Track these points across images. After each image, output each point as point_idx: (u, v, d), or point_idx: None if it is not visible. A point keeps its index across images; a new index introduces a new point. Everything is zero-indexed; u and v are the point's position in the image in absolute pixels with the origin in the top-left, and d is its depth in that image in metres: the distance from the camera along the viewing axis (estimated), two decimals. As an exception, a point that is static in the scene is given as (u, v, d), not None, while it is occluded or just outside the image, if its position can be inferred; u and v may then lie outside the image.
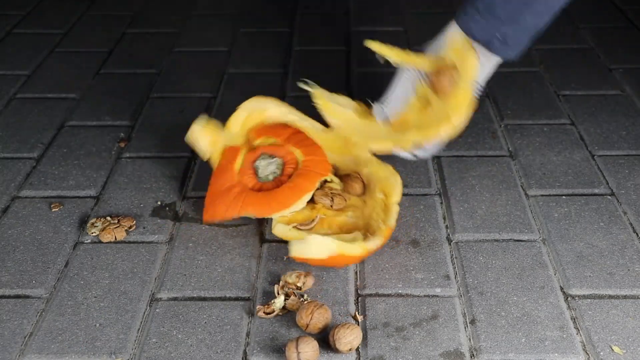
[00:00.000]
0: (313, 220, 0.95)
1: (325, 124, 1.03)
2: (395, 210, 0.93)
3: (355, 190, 0.98)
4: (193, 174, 1.09)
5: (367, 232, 0.92)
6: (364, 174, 1.00)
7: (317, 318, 0.79)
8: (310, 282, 0.87)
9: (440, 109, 0.96)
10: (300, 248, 0.85)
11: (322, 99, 1.03)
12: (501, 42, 0.95)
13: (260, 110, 1.04)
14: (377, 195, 0.96)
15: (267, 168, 0.97)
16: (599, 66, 1.39)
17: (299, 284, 0.86)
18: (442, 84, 0.96)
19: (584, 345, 0.79)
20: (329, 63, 1.41)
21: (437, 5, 1.68)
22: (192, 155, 1.13)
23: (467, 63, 0.95)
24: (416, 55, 1.00)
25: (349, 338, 0.77)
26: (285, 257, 0.92)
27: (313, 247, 0.84)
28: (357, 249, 0.86)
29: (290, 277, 0.86)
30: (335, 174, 1.01)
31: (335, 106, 1.03)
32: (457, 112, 0.93)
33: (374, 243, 0.89)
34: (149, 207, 1.01)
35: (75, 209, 0.99)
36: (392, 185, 0.95)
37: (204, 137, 1.01)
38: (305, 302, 0.83)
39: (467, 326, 0.81)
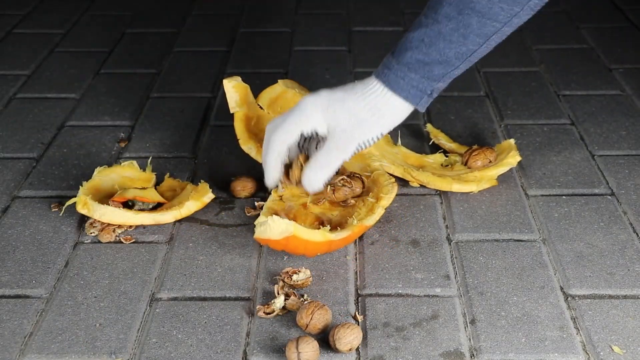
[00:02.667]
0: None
1: None
2: (379, 212, 0.93)
3: (354, 190, 0.99)
4: (193, 174, 1.09)
5: (342, 227, 0.93)
6: (366, 178, 1.00)
7: (317, 318, 0.79)
8: (307, 273, 0.87)
9: (462, 171, 1.05)
10: (261, 230, 0.86)
11: None
12: (429, 96, 0.88)
13: (296, 94, 1.08)
14: (369, 198, 0.96)
15: None
16: (599, 66, 1.39)
17: (295, 278, 0.86)
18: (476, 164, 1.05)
19: (584, 345, 0.79)
20: (329, 63, 1.41)
21: (437, 5, 1.68)
22: (193, 155, 1.13)
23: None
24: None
25: (349, 338, 0.77)
26: (285, 257, 0.92)
27: (271, 227, 0.85)
28: (317, 235, 0.87)
29: (285, 273, 0.87)
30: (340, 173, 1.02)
31: None
32: (475, 184, 1.02)
33: (339, 234, 0.89)
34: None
35: (75, 209, 0.99)
36: (386, 191, 0.96)
37: (235, 93, 1.03)
38: (306, 302, 0.83)
39: (467, 326, 0.81)
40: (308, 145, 0.92)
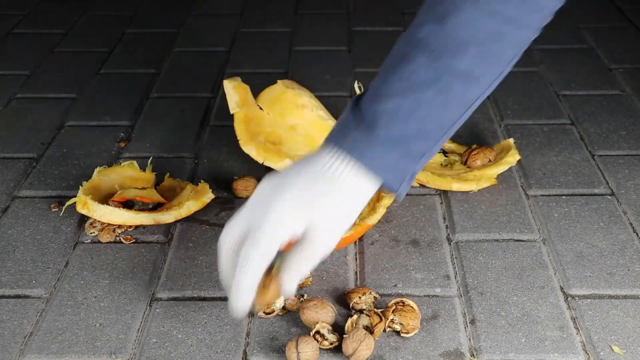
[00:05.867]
0: None
1: None
2: (380, 211, 0.93)
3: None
4: (193, 174, 1.09)
5: None
6: None
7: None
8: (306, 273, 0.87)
9: (462, 170, 1.06)
10: None
11: None
12: (408, 181, 0.74)
13: (296, 94, 1.08)
14: None
15: None
16: (599, 66, 1.39)
17: None
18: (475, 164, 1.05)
19: (584, 345, 0.79)
20: (329, 63, 1.41)
21: (437, 5, 1.68)
22: (193, 155, 1.13)
23: None
24: None
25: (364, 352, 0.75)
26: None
27: None
28: None
29: None
30: None
31: None
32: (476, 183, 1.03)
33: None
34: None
35: (75, 209, 0.99)
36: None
37: (235, 94, 1.03)
38: (313, 303, 0.82)
39: (467, 326, 0.81)
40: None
